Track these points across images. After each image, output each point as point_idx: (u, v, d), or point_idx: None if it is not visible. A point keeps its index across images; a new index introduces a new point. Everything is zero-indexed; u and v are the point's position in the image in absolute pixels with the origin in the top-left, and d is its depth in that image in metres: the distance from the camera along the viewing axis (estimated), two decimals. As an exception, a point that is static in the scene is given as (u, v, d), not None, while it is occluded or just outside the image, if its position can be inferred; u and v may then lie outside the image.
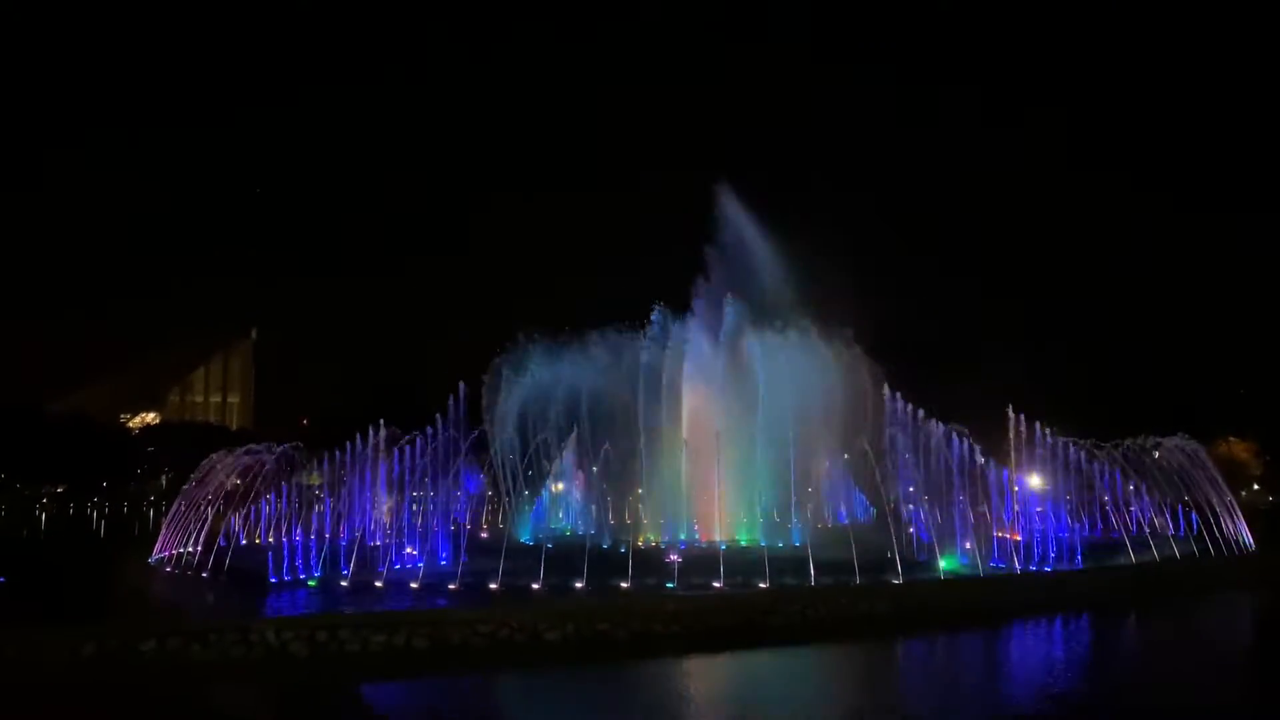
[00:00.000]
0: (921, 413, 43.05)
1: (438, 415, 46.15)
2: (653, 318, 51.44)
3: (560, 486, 56.75)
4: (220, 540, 44.87)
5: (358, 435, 47.00)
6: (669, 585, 33.73)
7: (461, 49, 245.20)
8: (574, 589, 33.56)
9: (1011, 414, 45.29)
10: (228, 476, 50.30)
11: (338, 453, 48.73)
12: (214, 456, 51.85)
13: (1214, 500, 48.14)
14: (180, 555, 45.19)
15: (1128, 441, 49.89)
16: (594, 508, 52.61)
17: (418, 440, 45.18)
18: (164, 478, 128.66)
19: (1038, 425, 45.77)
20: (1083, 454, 46.73)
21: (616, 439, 48.24)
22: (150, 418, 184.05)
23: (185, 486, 51.59)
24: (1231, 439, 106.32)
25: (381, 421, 45.88)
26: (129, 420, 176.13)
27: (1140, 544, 42.25)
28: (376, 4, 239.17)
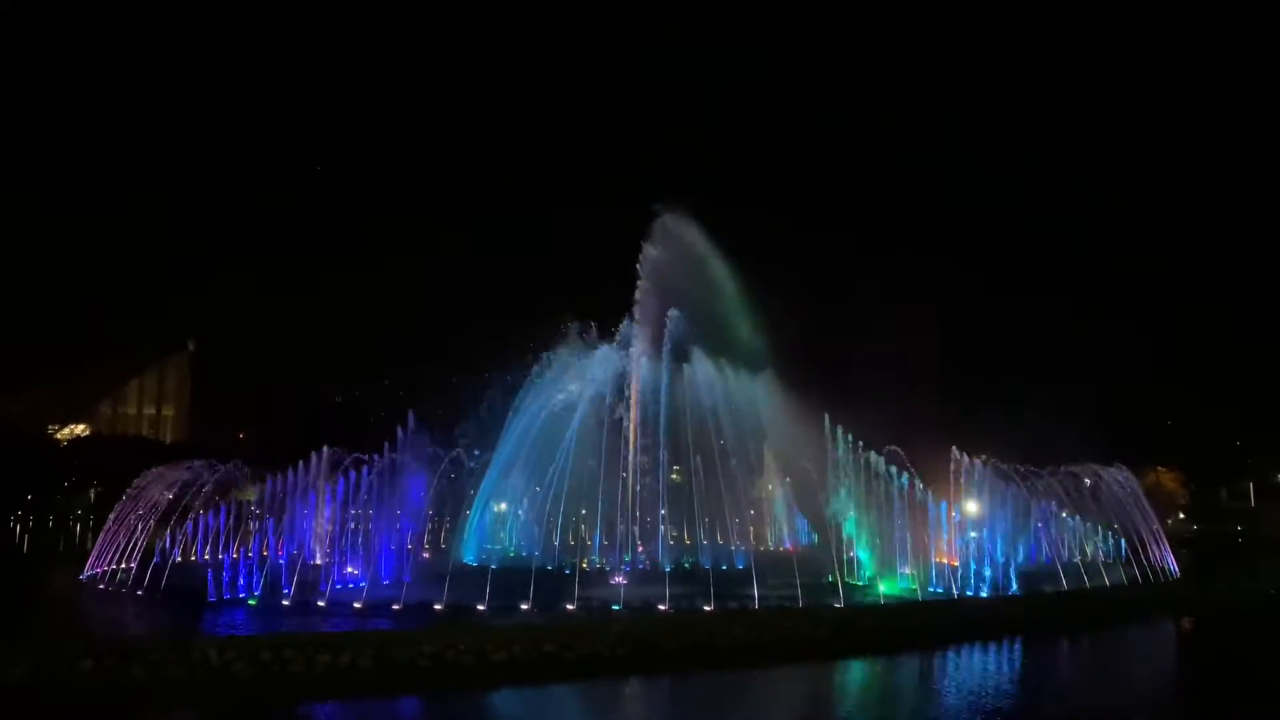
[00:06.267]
0: (861, 443, 43.95)
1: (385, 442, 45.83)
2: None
3: (503, 507, 56.47)
4: (156, 557, 43.91)
5: (300, 462, 46.46)
6: (615, 607, 33.90)
7: (407, 66, 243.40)
8: (520, 610, 33.58)
9: (956, 452, 46.42)
10: (166, 489, 49.04)
11: (279, 473, 48.03)
12: (152, 471, 50.64)
13: (1142, 529, 49.68)
14: (114, 572, 44.15)
15: (1062, 469, 51.18)
16: (538, 528, 52.48)
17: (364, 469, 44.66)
18: (92, 491, 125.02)
19: (978, 460, 46.92)
20: (1018, 482, 47.92)
21: (562, 459, 48.25)
22: (80, 429, 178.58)
23: (120, 501, 50.31)
24: (1159, 469, 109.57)
25: (325, 447, 45.54)
26: (57, 432, 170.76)
27: (1072, 571, 43.48)
28: (314, 21, 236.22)
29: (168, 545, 46.34)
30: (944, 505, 43.83)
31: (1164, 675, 30.62)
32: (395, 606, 34.31)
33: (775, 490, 53.43)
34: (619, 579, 37.69)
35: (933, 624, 33.73)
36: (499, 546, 53.34)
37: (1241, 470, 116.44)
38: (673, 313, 49.66)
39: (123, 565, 44.85)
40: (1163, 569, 48.25)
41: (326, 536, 46.14)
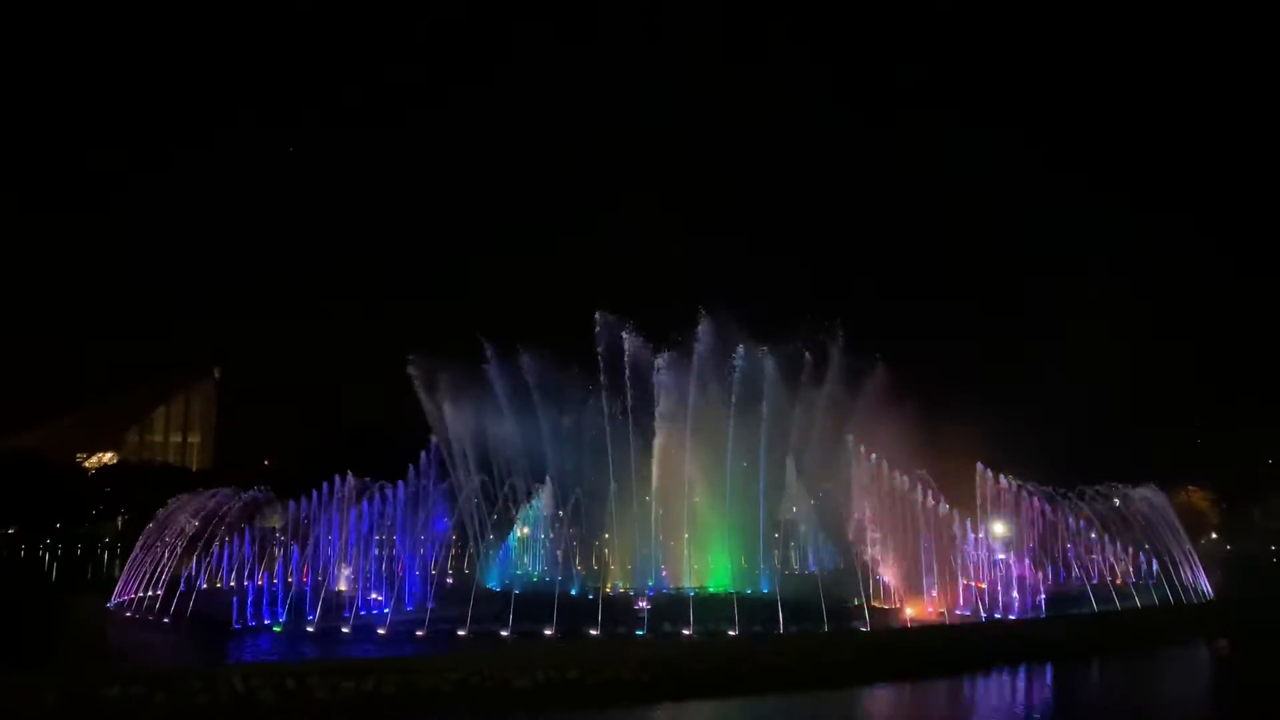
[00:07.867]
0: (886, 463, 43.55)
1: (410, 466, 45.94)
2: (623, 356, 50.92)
3: (526, 531, 56.39)
4: (181, 585, 44.13)
5: (324, 484, 46.63)
6: (639, 633, 33.72)
7: (438, 93, 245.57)
8: (543, 636, 33.46)
9: (981, 467, 45.95)
10: (194, 517, 49.47)
11: (304, 499, 48.25)
12: (181, 498, 51.05)
13: (1173, 549, 48.90)
14: (141, 599, 44.41)
15: (1092, 489, 50.46)
16: (561, 553, 52.32)
17: (386, 490, 44.79)
18: (120, 519, 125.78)
19: (1004, 477, 46.41)
20: (1046, 504, 47.34)
21: (585, 483, 48.13)
22: (108, 457, 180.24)
23: (147, 528, 50.68)
24: (1191, 488, 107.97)
25: (350, 473, 45.66)
26: (85, 460, 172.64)
27: (1102, 593, 42.82)
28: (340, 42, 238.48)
29: (193, 572, 46.62)
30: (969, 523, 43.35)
31: (1201, 700, 29.99)
32: (419, 633, 34.30)
33: (800, 512, 52.98)
34: (643, 604, 37.49)
35: (960, 648, 33.26)
36: (523, 571, 53.26)
37: (1276, 488, 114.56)
38: (700, 333, 49.23)
39: (149, 592, 45.12)
40: (1195, 590, 47.44)
41: (351, 562, 46.22)
